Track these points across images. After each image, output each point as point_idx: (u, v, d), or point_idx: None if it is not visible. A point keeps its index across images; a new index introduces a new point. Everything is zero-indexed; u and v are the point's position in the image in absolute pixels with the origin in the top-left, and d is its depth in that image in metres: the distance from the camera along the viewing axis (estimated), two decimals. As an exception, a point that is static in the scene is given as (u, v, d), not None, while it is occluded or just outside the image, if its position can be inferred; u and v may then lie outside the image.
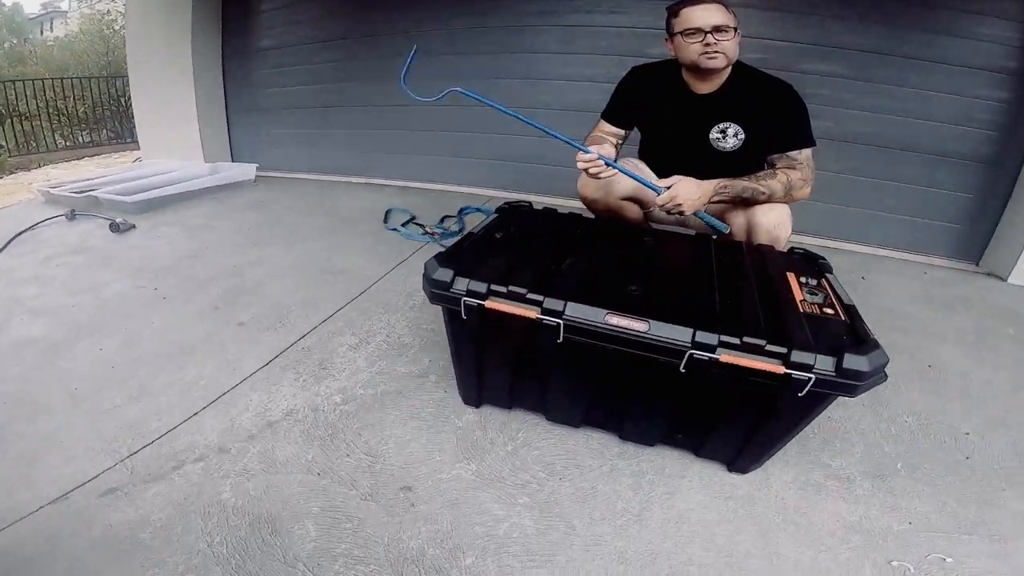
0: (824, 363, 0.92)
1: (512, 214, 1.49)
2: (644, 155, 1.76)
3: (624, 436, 1.23)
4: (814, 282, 1.20)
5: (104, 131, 7.34)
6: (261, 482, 1.13)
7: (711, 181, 1.46)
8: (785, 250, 1.46)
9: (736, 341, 0.95)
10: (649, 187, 1.42)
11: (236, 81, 3.88)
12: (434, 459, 1.19)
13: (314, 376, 1.46)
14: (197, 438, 1.26)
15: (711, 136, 1.60)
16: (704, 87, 1.59)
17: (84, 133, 7.18)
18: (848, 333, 1.01)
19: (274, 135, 3.86)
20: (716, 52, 1.45)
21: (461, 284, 1.08)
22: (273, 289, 1.98)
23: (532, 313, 1.03)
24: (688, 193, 1.39)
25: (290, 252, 2.33)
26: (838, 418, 1.36)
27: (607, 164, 1.42)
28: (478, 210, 2.76)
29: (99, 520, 1.05)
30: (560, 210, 1.60)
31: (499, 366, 1.23)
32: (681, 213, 1.41)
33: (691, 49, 1.48)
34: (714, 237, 1.47)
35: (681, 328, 0.97)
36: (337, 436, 1.25)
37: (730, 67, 1.53)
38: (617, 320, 1.00)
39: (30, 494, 1.10)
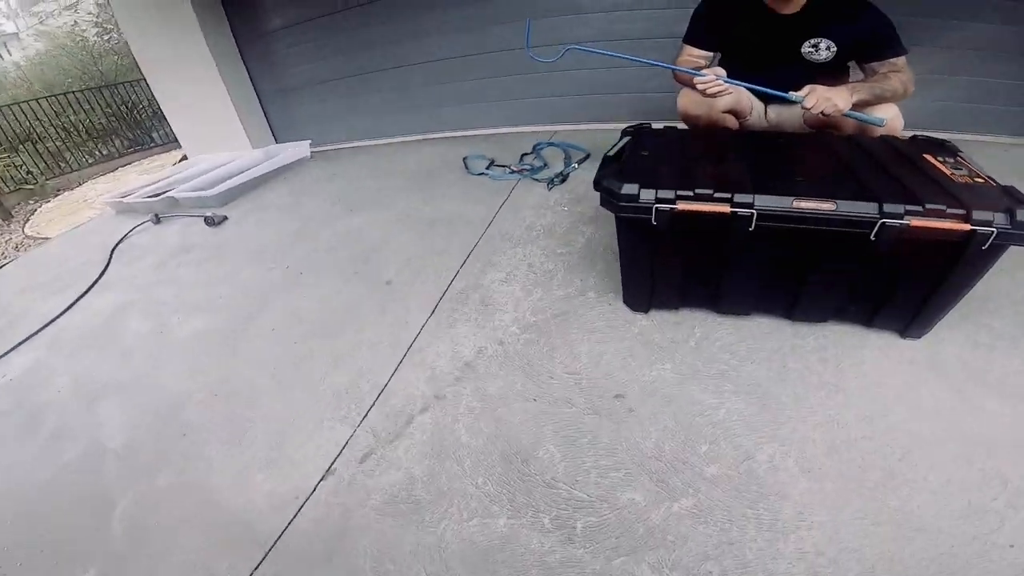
0: (1001, 219, 1.01)
1: (640, 135, 1.54)
2: (731, 73, 1.72)
3: (794, 317, 1.34)
4: (951, 160, 1.26)
5: (124, 140, 7.32)
6: (489, 418, 1.26)
7: (841, 86, 1.47)
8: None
9: (919, 208, 1.04)
10: (785, 97, 1.45)
11: (257, 64, 3.80)
12: (630, 365, 1.31)
13: (482, 314, 1.58)
14: (411, 391, 1.38)
15: (803, 50, 1.63)
16: (786, 7, 1.60)
17: (102, 145, 7.16)
18: (1006, 194, 1.09)
19: (312, 111, 3.83)
20: None
21: (648, 194, 1.17)
22: (397, 245, 2.09)
23: (724, 208, 1.11)
24: (835, 94, 1.40)
25: (391, 210, 2.42)
26: (982, 284, 1.43)
27: (725, 82, 1.47)
28: (551, 144, 2.78)
29: (373, 487, 1.15)
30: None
31: (675, 268, 1.33)
32: (834, 113, 1.41)
33: None
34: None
35: (866, 204, 1.06)
36: (533, 363, 1.37)
37: None
38: (805, 204, 1.08)
39: (299, 473, 1.21)
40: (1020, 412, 1.08)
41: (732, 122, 1.82)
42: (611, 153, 1.46)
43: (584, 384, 1.29)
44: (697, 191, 1.14)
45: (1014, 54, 2.37)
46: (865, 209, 1.05)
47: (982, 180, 1.14)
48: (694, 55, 1.77)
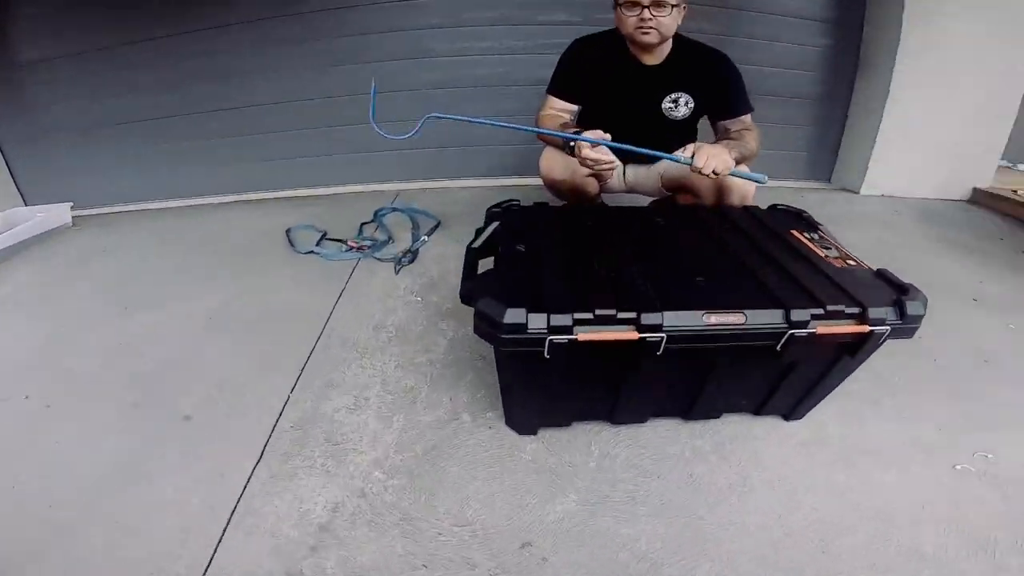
0: (892, 315, 0.99)
1: (509, 218, 1.32)
2: (590, 126, 1.70)
3: (690, 417, 1.23)
4: (816, 236, 1.29)
5: None
6: (369, 601, 0.90)
7: (718, 145, 1.46)
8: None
9: (821, 311, 0.98)
10: (673, 159, 1.39)
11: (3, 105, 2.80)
12: (530, 502, 1.06)
13: (331, 457, 1.17)
14: (251, 568, 0.94)
15: (664, 106, 1.64)
16: (650, 59, 1.61)
17: None
18: (882, 279, 1.09)
19: (77, 162, 2.89)
20: (650, 27, 1.48)
21: (538, 321, 0.92)
22: (200, 358, 1.53)
23: (631, 335, 0.94)
24: (719, 154, 1.39)
25: (190, 305, 1.80)
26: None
27: (610, 147, 1.39)
28: (395, 209, 2.42)
29: None
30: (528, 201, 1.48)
31: (568, 392, 1.12)
32: (723, 172, 1.39)
33: (628, 22, 1.51)
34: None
35: (773, 312, 0.97)
36: (412, 517, 1.03)
37: (670, 40, 1.56)
38: (716, 319, 0.96)
39: None
40: (905, 477, 1.13)
41: (594, 186, 1.73)
42: (476, 244, 1.24)
43: (481, 536, 0.98)
44: (597, 312, 0.92)
45: (800, 101, 2.80)
46: (773, 319, 0.94)
47: (853, 262, 1.15)
48: (558, 108, 1.66)
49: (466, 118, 1.45)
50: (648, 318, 0.93)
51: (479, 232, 1.27)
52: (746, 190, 1.55)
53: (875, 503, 1.06)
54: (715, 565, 0.94)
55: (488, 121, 1.44)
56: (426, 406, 1.31)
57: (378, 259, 1.98)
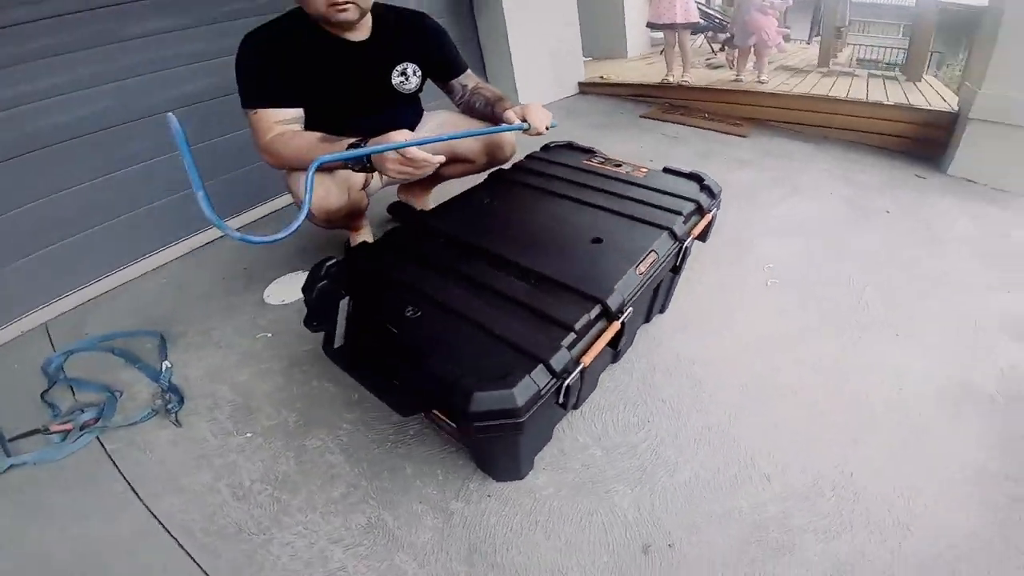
0: (707, 199, 1.22)
1: (354, 285, 0.97)
2: (316, 123, 1.35)
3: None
4: (596, 157, 1.41)
5: None
6: None
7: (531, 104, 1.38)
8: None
9: (682, 219, 1.13)
10: (514, 128, 1.30)
11: None
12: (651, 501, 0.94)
13: None
14: None
15: (394, 81, 1.45)
16: (355, 35, 1.36)
17: None
18: (678, 174, 1.30)
19: None
20: (348, 3, 1.24)
21: (542, 378, 0.74)
22: None
23: (615, 327, 0.86)
24: (539, 109, 1.34)
25: None
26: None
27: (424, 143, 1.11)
28: (71, 353, 1.44)
29: None
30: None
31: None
32: (548, 128, 1.34)
33: (318, 1, 1.23)
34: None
35: (665, 239, 1.04)
36: None
37: (368, 11, 1.34)
38: (643, 268, 0.97)
39: None
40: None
41: (364, 197, 1.49)
42: (336, 344, 0.90)
43: None
44: (577, 327, 0.80)
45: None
46: (669, 244, 1.04)
47: (643, 168, 1.31)
48: (286, 118, 1.27)
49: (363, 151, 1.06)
50: (612, 301, 0.87)
51: (315, 327, 0.93)
52: (513, 141, 1.55)
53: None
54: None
55: (371, 150, 1.04)
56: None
57: (124, 425, 1.21)
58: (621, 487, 1.02)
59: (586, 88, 3.53)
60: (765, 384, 1.23)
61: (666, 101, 3.23)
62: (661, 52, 4.24)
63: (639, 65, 4.33)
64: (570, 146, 1.49)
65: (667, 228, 1.04)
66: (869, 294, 1.54)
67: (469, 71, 1.55)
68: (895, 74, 3.96)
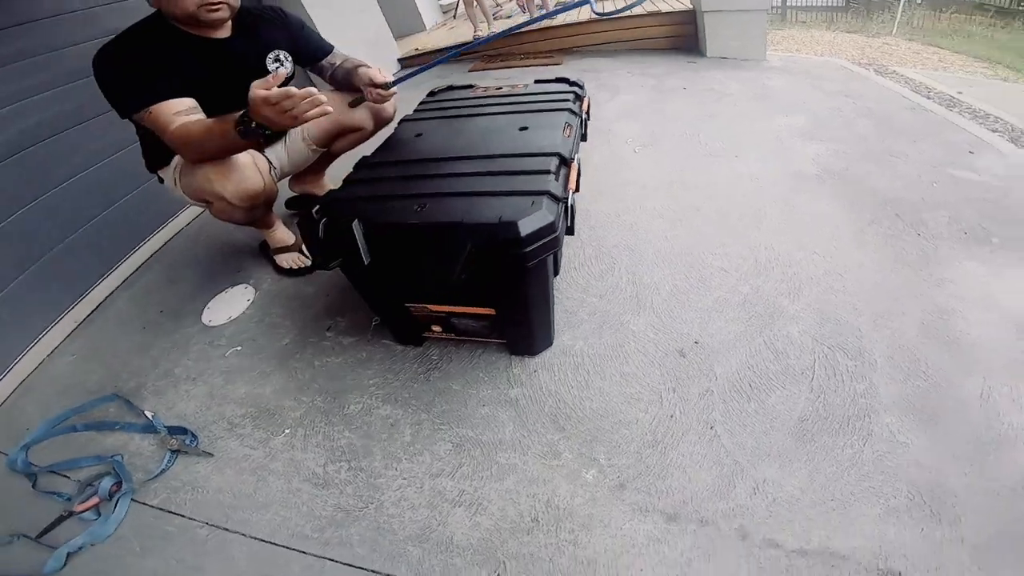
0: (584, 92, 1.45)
1: (357, 213, 0.95)
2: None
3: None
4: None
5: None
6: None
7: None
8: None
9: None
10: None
11: None
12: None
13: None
14: None
15: (270, 68, 1.42)
16: (220, 32, 1.32)
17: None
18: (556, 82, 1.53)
19: None
20: (220, 3, 1.21)
21: (552, 203, 0.88)
22: None
23: (574, 169, 1.05)
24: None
25: None
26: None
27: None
28: (29, 446, 1.15)
29: None
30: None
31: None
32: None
33: (187, 2, 1.18)
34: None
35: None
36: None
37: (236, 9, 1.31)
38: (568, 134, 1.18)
39: None
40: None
41: (273, 182, 1.45)
42: (366, 261, 0.94)
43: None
44: (552, 170, 0.95)
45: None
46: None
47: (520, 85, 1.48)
48: (182, 108, 1.17)
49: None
50: (564, 151, 1.05)
51: (332, 262, 0.95)
52: (395, 103, 1.56)
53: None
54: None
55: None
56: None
57: (152, 478, 1.07)
58: (628, 316, 1.23)
59: (407, 62, 3.60)
60: (678, 209, 1.58)
61: (484, 54, 3.47)
62: (454, 17, 4.43)
63: (442, 33, 4.52)
64: (451, 88, 1.62)
65: (567, 110, 1.25)
66: (704, 137, 2.01)
67: (336, 50, 1.57)
68: None
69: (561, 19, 3.67)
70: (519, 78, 2.95)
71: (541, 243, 0.82)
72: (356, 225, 0.89)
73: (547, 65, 3.12)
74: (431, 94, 1.58)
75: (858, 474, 0.89)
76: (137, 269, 1.87)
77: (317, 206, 0.99)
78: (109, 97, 1.19)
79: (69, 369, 1.46)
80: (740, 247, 1.41)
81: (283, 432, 1.15)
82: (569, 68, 3.07)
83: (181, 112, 1.17)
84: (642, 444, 0.98)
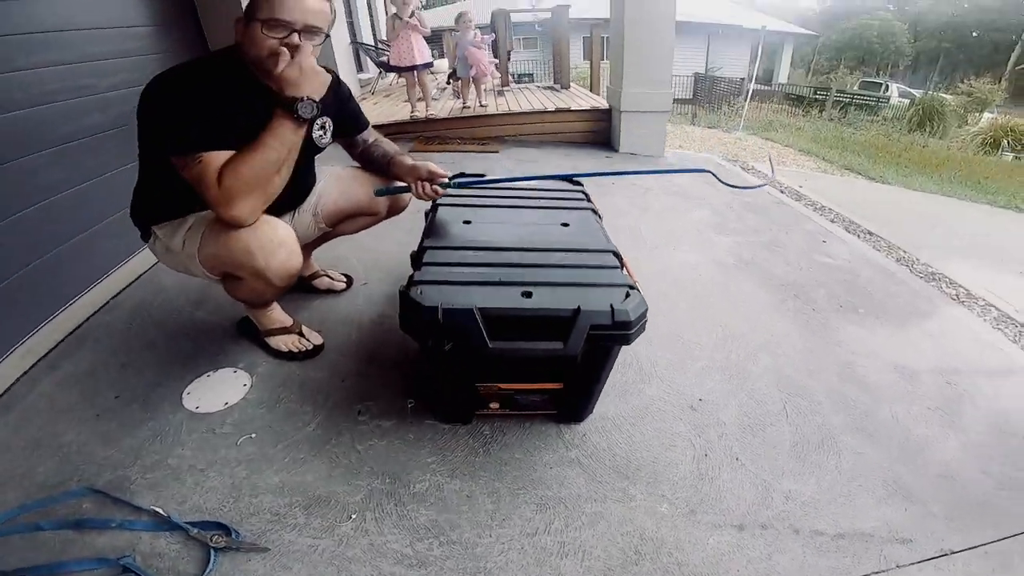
0: None
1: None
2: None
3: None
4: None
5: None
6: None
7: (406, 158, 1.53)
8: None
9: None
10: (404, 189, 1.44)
11: None
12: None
13: None
14: None
15: (314, 135, 1.42)
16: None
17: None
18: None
19: None
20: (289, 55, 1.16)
21: (636, 293, 1.08)
22: None
23: (628, 264, 1.28)
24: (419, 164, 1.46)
25: None
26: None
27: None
28: None
29: None
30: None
31: None
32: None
33: (266, 44, 1.15)
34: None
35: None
36: None
37: None
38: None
39: None
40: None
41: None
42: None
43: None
44: (620, 265, 1.22)
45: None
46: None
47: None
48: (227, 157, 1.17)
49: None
50: (616, 250, 1.33)
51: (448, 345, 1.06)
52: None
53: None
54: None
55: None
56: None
57: None
58: (642, 385, 1.49)
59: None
60: (650, 296, 1.85)
61: (420, 135, 3.73)
62: (372, 92, 4.66)
63: (373, 108, 4.69)
64: (463, 174, 1.79)
65: (591, 210, 1.54)
66: (645, 230, 2.47)
67: (370, 126, 1.60)
68: (553, 84, 5.47)
69: (494, 108, 4.13)
70: (461, 164, 3.25)
71: (639, 327, 1.05)
72: (476, 311, 1.03)
73: (486, 152, 3.47)
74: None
75: (847, 476, 1.24)
76: (56, 346, 1.65)
77: (410, 289, 1.09)
78: (156, 130, 1.15)
79: (17, 460, 1.26)
80: (704, 325, 1.79)
81: (349, 518, 1.14)
82: (507, 157, 3.46)
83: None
84: (694, 479, 1.22)
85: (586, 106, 3.95)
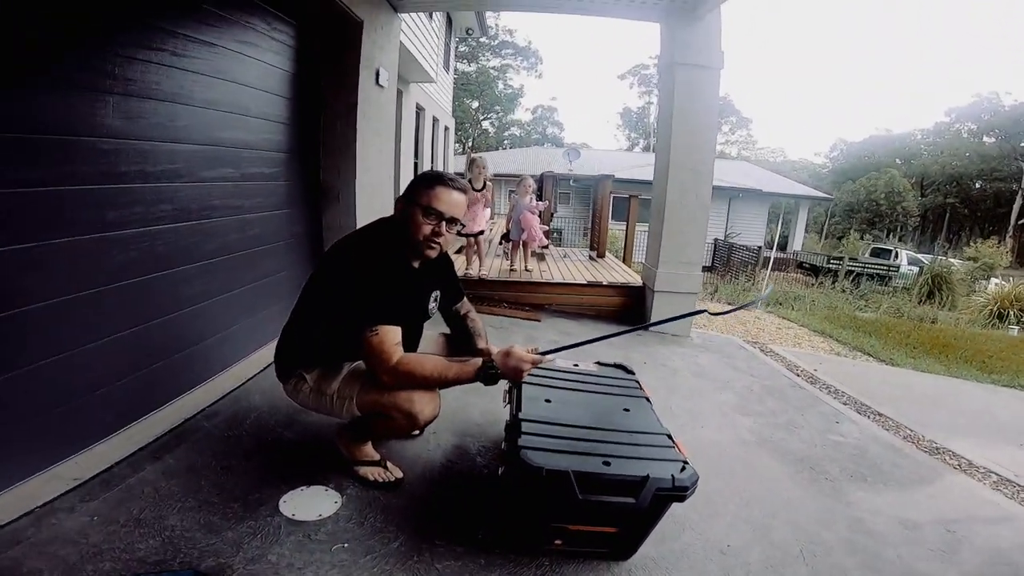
0: None
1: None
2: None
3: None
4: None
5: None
6: None
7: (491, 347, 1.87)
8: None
9: None
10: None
11: None
12: None
13: None
14: None
15: (429, 305, 1.81)
16: (417, 261, 1.72)
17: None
18: None
19: None
20: (439, 242, 1.60)
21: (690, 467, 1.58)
22: None
23: (680, 444, 1.79)
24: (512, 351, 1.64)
25: None
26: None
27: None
28: None
29: None
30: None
31: None
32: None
33: (423, 229, 1.56)
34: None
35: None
36: None
37: None
38: None
39: None
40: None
41: None
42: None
43: None
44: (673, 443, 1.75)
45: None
46: None
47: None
48: (399, 339, 1.57)
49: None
50: (669, 432, 1.87)
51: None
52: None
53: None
54: None
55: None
56: None
57: None
58: (679, 533, 1.87)
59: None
60: None
61: (471, 293, 4.45)
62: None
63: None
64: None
65: (646, 398, 2.07)
66: (675, 409, 2.92)
67: (465, 298, 2.00)
68: (590, 251, 6.26)
69: (537, 273, 4.88)
70: (509, 330, 3.87)
71: (692, 490, 1.51)
72: (571, 473, 1.54)
73: (530, 320, 4.11)
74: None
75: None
76: (159, 438, 2.06)
77: (519, 452, 1.55)
78: (347, 298, 1.52)
79: (96, 530, 1.58)
80: (729, 491, 2.18)
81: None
82: (548, 327, 4.08)
83: (398, 343, 1.55)
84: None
85: (621, 281, 4.64)
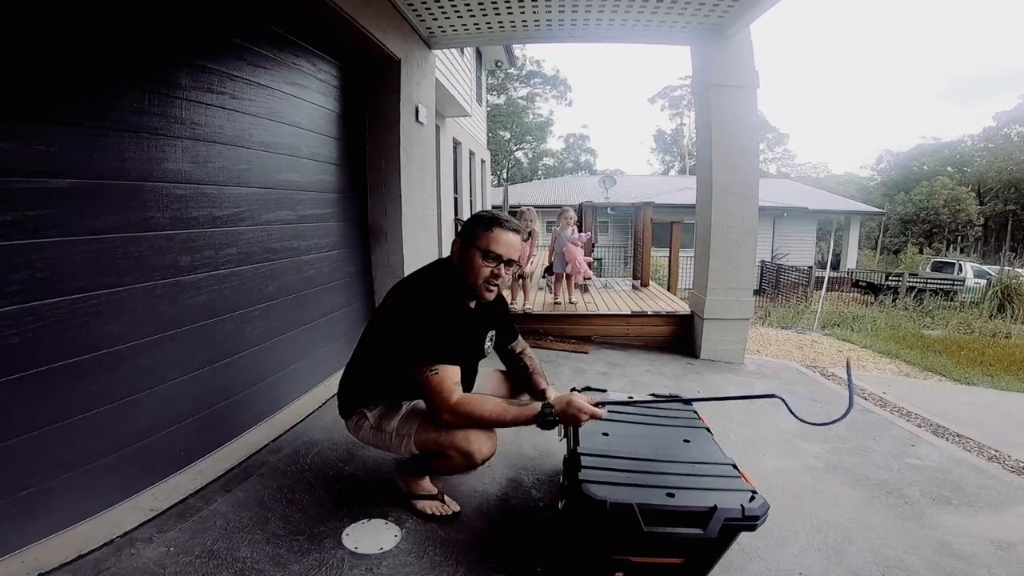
0: None
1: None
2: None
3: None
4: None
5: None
6: None
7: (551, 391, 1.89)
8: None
9: None
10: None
11: None
12: None
13: None
14: None
15: (485, 345, 1.86)
16: (473, 302, 1.77)
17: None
18: None
19: None
20: (496, 284, 1.64)
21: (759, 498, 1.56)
22: None
23: (747, 475, 1.76)
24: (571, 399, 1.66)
25: None
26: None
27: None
28: None
29: None
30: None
31: None
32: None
33: (483, 271, 1.60)
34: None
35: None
36: None
37: None
38: None
39: None
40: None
41: None
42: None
43: None
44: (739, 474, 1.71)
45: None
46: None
47: None
48: (458, 378, 1.63)
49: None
50: (734, 462, 1.83)
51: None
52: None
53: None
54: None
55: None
56: None
57: None
58: (746, 563, 1.81)
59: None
60: None
61: (517, 327, 4.51)
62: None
63: None
64: (588, 388, 2.26)
65: (705, 428, 2.05)
66: (734, 437, 2.85)
67: (519, 337, 2.06)
68: (634, 281, 6.27)
69: (581, 304, 4.89)
70: (556, 363, 3.87)
71: (763, 519, 1.48)
72: (635, 506, 1.53)
73: (578, 352, 4.13)
74: (585, 389, 2.27)
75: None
76: (228, 471, 2.18)
77: (582, 486, 1.57)
78: (406, 339, 1.57)
79: (173, 560, 1.68)
80: (797, 516, 2.10)
81: None
82: (596, 359, 4.08)
83: (458, 383, 1.59)
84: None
85: (667, 310, 4.59)
